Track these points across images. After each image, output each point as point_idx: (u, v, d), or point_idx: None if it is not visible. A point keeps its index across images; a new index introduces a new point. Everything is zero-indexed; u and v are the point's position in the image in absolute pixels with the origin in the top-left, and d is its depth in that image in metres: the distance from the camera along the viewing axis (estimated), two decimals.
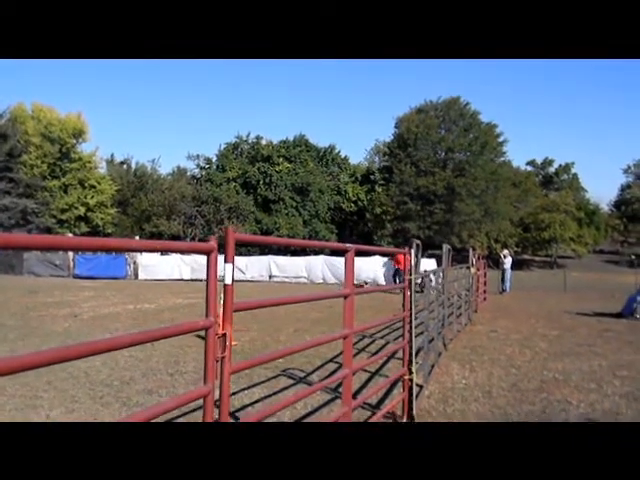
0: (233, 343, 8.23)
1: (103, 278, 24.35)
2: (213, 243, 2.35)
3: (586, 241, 57.59)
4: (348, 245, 3.76)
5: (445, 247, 8.48)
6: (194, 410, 4.78)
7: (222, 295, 2.51)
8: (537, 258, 58.18)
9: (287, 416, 5.10)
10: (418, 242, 5.46)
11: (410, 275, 5.10)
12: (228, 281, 2.45)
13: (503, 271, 21.99)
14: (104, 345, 1.85)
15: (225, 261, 2.45)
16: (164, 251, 2.65)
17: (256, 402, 5.75)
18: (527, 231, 55.78)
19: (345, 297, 3.77)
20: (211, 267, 2.34)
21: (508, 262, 22.13)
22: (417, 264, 5.34)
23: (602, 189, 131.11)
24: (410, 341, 5.21)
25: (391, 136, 53.14)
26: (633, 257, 46.47)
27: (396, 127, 51.87)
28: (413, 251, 5.19)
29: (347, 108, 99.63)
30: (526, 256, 56.68)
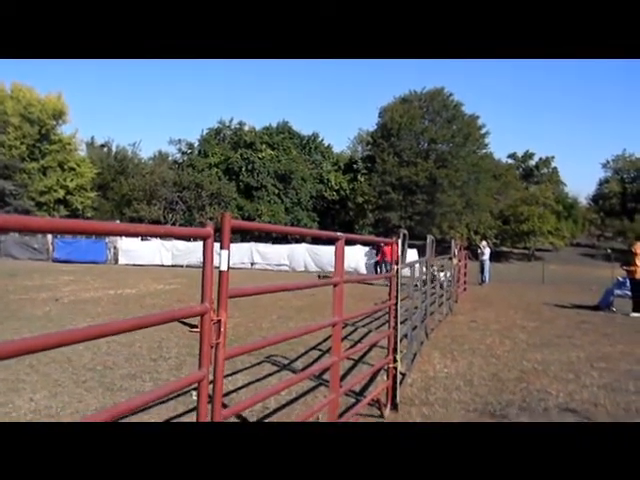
0: None
1: (82, 262, 24.08)
2: (210, 229, 2.35)
3: (564, 234, 58.46)
4: (339, 234, 3.78)
5: (429, 238, 8.56)
6: (189, 411, 4.81)
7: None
8: (515, 250, 58.88)
9: (272, 403, 5.13)
10: (405, 232, 5.50)
11: (397, 265, 5.15)
12: (224, 267, 2.45)
13: (482, 262, 22.27)
14: (101, 330, 1.85)
15: (221, 247, 2.44)
16: (163, 236, 2.64)
17: (240, 388, 5.78)
18: (506, 223, 56.37)
19: (335, 285, 3.80)
20: (207, 252, 2.34)
21: (487, 253, 22.40)
22: (404, 254, 5.38)
23: (581, 183, 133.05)
24: (395, 330, 5.27)
25: (375, 126, 53.19)
26: (609, 251, 47.30)
27: (380, 117, 51.89)
28: (400, 241, 5.23)
29: (331, 96, 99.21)
30: (505, 248, 57.32)
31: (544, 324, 10.84)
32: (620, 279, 13.22)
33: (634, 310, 12.22)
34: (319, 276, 18.02)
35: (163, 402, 4.88)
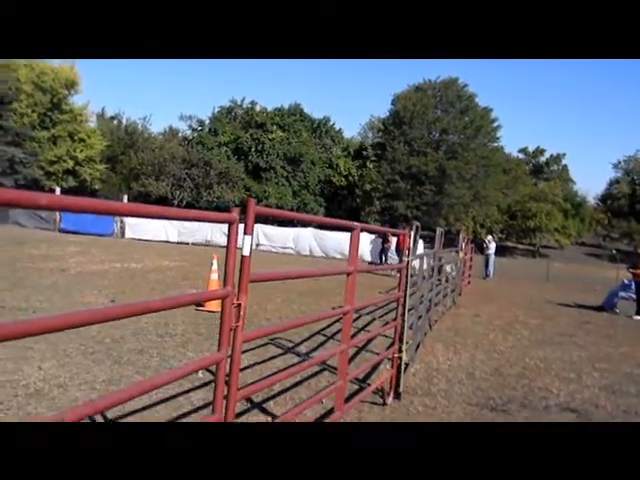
0: (218, 310, 8.27)
1: (89, 234, 24.18)
2: (235, 214, 2.38)
3: (570, 233, 58.31)
4: (355, 224, 3.80)
5: (438, 230, 8.57)
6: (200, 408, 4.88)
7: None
8: (520, 246, 58.81)
9: (277, 385, 5.20)
10: (417, 224, 5.52)
11: (407, 256, 5.17)
12: (246, 252, 2.48)
13: (487, 256, 22.28)
14: (131, 309, 1.88)
15: (245, 232, 2.47)
16: (190, 220, 2.67)
17: (245, 368, 5.84)
18: (513, 218, 56.20)
19: (348, 274, 3.83)
20: (232, 237, 2.37)
21: (492, 248, 22.40)
22: (415, 245, 5.41)
23: (590, 182, 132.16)
24: (403, 320, 5.31)
25: (386, 113, 52.78)
26: (614, 251, 47.23)
27: (393, 104, 51.46)
28: (412, 233, 5.25)
29: (344, 81, 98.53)
30: (510, 243, 57.26)
31: (547, 322, 10.88)
32: (626, 281, 13.23)
33: (638, 313, 12.25)
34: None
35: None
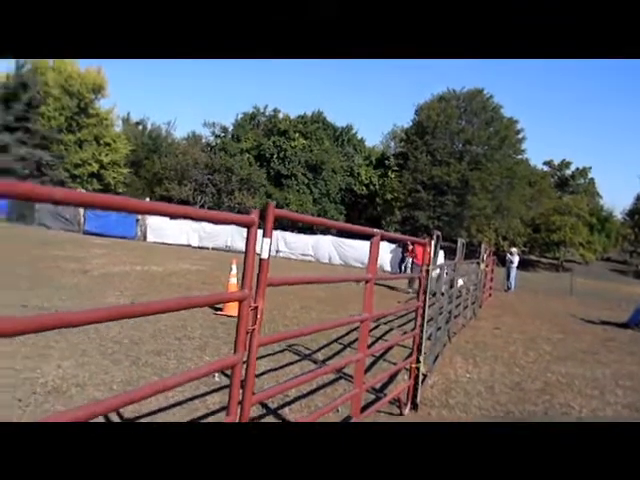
0: (235, 314, 8.25)
1: (112, 236, 24.50)
2: (254, 217, 2.37)
3: (595, 248, 57.29)
4: (375, 230, 3.77)
5: (460, 241, 8.48)
6: (215, 412, 4.87)
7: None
8: (544, 260, 58.00)
9: (293, 391, 5.17)
10: (438, 234, 5.46)
11: (428, 266, 5.11)
12: (265, 256, 2.46)
13: (509, 269, 21.99)
14: (148, 307, 1.88)
15: (264, 236, 2.46)
16: (209, 221, 2.67)
17: (262, 374, 5.82)
18: (537, 232, 55.46)
19: (366, 282, 3.80)
20: (250, 240, 2.35)
21: (515, 261, 22.11)
22: (436, 255, 5.35)
23: (617, 197, 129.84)
24: (421, 331, 5.24)
25: (409, 122, 52.67)
26: None
27: (416, 114, 51.37)
28: (433, 243, 5.20)
29: (367, 89, 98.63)
30: (533, 257, 56.52)
31: (569, 337, 10.68)
32: None
33: None
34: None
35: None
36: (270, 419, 4.48)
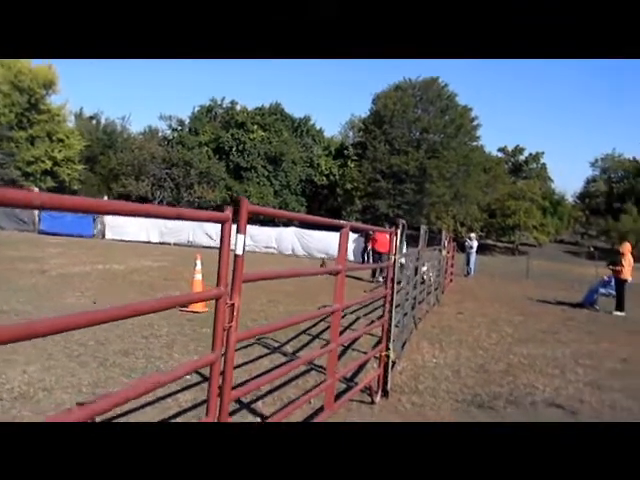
0: (205, 310, 8.22)
1: (69, 235, 23.86)
2: (228, 213, 2.37)
3: (548, 230, 59.03)
4: (343, 222, 3.81)
5: (422, 229, 8.63)
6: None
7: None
8: (500, 244, 59.42)
9: (266, 385, 5.18)
10: (404, 222, 5.55)
11: (395, 255, 5.19)
12: (239, 252, 2.47)
13: (468, 254, 22.50)
14: (119, 312, 1.85)
15: (237, 232, 2.46)
16: (181, 219, 2.65)
17: (235, 368, 5.81)
18: (492, 217, 56.75)
19: (337, 273, 3.84)
20: (225, 237, 2.35)
21: (475, 246, 22.64)
22: (402, 244, 5.44)
23: (568, 181, 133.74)
24: (390, 319, 5.33)
25: (367, 112, 52.97)
26: (592, 249, 47.97)
27: (373, 103, 51.66)
28: (399, 232, 5.28)
29: (324, 80, 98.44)
30: (489, 241, 57.82)
31: (529, 319, 11.01)
32: (606, 278, 13.44)
33: (617, 309, 12.46)
34: (322, 264, 17.78)
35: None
36: (244, 413, 4.49)
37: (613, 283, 12.85)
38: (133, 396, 1.88)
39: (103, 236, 25.70)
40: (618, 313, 12.29)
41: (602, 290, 13.34)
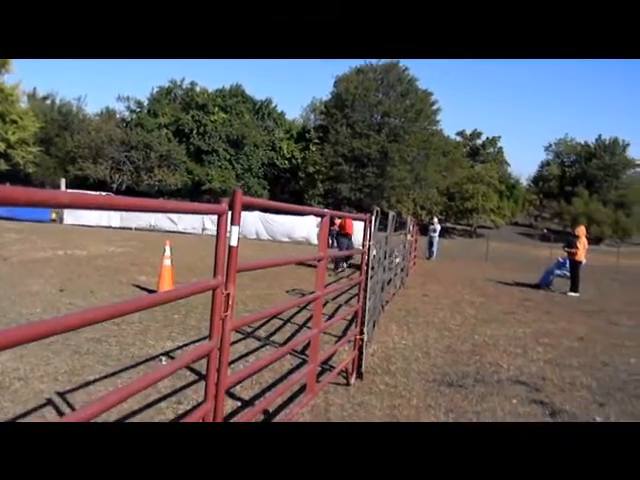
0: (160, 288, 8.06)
1: (26, 220, 23.19)
2: (225, 205, 2.43)
3: (505, 213, 60.68)
4: (325, 211, 3.91)
5: (391, 214, 8.78)
6: (168, 396, 4.88)
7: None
8: (458, 227, 60.71)
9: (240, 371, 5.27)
10: (378, 209, 5.68)
11: (369, 242, 5.33)
12: (234, 243, 2.54)
13: (431, 237, 22.99)
14: (122, 308, 1.87)
15: (232, 223, 2.53)
16: (176, 212, 2.70)
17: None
18: (452, 200, 57.90)
19: (319, 260, 3.94)
20: (221, 228, 2.42)
21: (437, 230, 23.14)
22: (375, 230, 5.57)
23: (523, 164, 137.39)
24: (364, 304, 5.48)
25: (328, 95, 52.97)
26: (546, 230, 49.52)
27: (335, 86, 51.67)
28: (373, 218, 5.41)
29: (285, 62, 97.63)
30: (449, 224, 59.01)
31: (490, 300, 11.39)
32: (561, 260, 13.95)
33: (571, 290, 12.99)
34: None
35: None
36: (224, 399, 4.57)
37: (568, 265, 13.37)
38: (143, 388, 1.95)
39: (61, 221, 25.09)
40: (572, 294, 12.82)
41: (557, 271, 13.86)
